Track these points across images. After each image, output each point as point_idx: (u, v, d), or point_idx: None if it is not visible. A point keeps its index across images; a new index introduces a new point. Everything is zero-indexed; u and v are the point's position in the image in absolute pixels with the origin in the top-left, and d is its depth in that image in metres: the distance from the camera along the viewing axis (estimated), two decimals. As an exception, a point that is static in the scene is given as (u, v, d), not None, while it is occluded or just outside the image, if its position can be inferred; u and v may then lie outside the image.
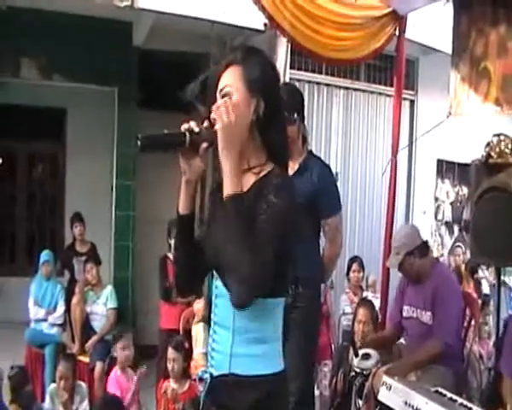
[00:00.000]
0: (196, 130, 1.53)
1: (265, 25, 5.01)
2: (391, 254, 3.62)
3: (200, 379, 1.72)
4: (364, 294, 5.35)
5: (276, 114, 1.61)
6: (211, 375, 1.61)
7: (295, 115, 2.92)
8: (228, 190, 1.48)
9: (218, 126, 1.52)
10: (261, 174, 1.58)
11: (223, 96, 1.57)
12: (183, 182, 1.61)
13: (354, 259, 5.45)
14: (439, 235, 7.45)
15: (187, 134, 1.52)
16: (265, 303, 1.52)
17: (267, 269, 1.44)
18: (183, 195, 1.63)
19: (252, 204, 1.50)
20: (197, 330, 4.17)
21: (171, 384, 3.76)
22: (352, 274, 5.35)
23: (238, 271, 1.42)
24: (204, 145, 1.55)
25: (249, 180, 1.59)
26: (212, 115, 1.54)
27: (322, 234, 3.10)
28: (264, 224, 1.46)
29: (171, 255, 5.09)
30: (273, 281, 1.46)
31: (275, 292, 1.53)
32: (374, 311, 4.12)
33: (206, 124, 1.55)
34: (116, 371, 4.03)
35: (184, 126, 1.54)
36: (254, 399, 1.54)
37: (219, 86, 1.60)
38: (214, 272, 1.62)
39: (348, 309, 5.10)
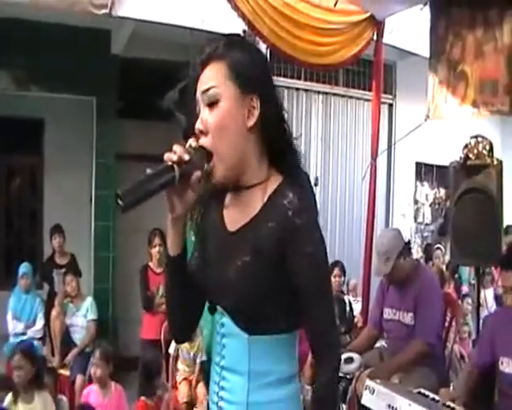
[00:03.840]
0: (186, 158, 1.22)
1: (244, 32, 5.02)
2: (378, 262, 3.57)
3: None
4: (345, 298, 5.37)
5: (275, 111, 1.32)
6: None
7: None
8: None
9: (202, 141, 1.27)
10: (267, 193, 1.31)
11: (210, 103, 1.27)
12: (171, 220, 1.31)
13: (335, 263, 5.46)
14: (419, 237, 7.52)
15: (175, 168, 1.20)
16: (286, 339, 1.34)
17: (335, 320, 1.38)
18: (172, 234, 1.32)
19: (265, 235, 1.27)
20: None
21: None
22: (333, 279, 5.36)
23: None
24: (197, 174, 1.25)
25: (254, 203, 1.32)
26: (198, 126, 1.28)
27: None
28: (318, 284, 1.30)
29: (151, 264, 5.06)
30: (296, 314, 1.31)
31: (296, 324, 1.35)
32: (343, 309, 4.09)
33: (193, 143, 1.27)
34: (92, 386, 3.97)
35: (170, 158, 1.21)
36: None
37: (201, 88, 1.29)
38: (218, 309, 1.37)
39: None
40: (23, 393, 3.44)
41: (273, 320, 1.30)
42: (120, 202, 1.16)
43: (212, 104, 1.27)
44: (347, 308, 4.78)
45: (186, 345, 4.12)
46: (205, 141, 1.27)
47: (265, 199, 1.30)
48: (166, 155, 1.22)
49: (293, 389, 1.36)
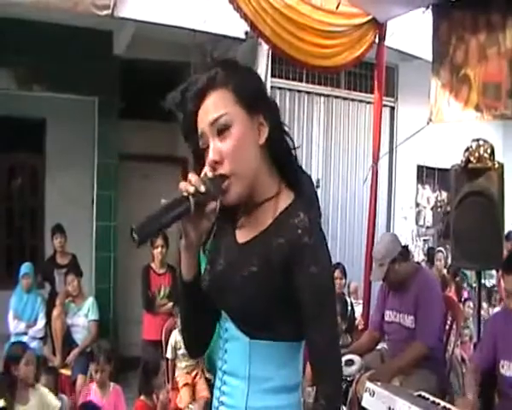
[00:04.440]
0: (202, 189, 1.20)
1: (246, 33, 5.03)
2: (374, 268, 3.61)
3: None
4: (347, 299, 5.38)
5: (278, 125, 1.34)
6: None
7: None
8: None
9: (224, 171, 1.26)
10: (278, 208, 1.32)
11: (220, 131, 1.26)
12: (184, 245, 1.31)
13: (336, 266, 5.46)
14: (421, 240, 7.51)
15: (191, 199, 1.19)
16: (289, 347, 1.33)
17: (338, 340, 1.37)
18: (185, 259, 1.33)
19: (274, 253, 1.28)
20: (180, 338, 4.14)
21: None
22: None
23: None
24: (213, 205, 1.26)
25: (265, 218, 1.33)
26: (213, 158, 1.26)
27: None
28: (323, 306, 1.28)
29: (153, 265, 5.06)
30: (299, 323, 1.29)
31: (300, 335, 1.32)
32: (345, 308, 4.11)
33: (209, 173, 1.26)
34: (91, 386, 3.97)
35: (187, 189, 1.20)
36: None
37: (208, 118, 1.27)
38: (222, 314, 1.39)
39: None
40: (19, 394, 3.42)
41: (275, 327, 1.30)
42: (135, 236, 1.16)
43: (222, 132, 1.27)
44: (349, 308, 4.79)
45: None
46: (221, 169, 1.27)
47: (277, 213, 1.31)
48: (182, 185, 1.22)
49: (295, 398, 1.34)
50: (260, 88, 1.34)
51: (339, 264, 5.52)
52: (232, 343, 1.35)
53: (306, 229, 1.26)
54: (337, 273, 5.37)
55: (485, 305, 5.59)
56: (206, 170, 1.27)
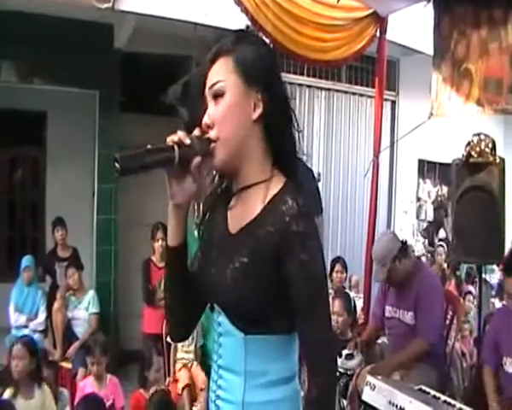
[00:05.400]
0: (187, 142, 1.24)
1: (248, 27, 5.00)
2: (376, 268, 3.61)
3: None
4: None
5: (282, 107, 1.32)
6: None
7: None
8: None
9: (212, 134, 1.28)
10: (269, 194, 1.30)
11: (215, 95, 1.29)
12: (171, 207, 1.31)
13: (337, 259, 5.47)
14: (421, 235, 7.51)
15: (175, 148, 1.22)
16: (283, 340, 1.31)
17: (331, 330, 1.33)
18: (172, 223, 1.33)
19: (266, 239, 1.26)
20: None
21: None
22: (334, 275, 5.36)
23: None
24: (197, 160, 1.25)
25: (255, 203, 1.31)
26: (204, 121, 1.29)
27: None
28: (315, 295, 1.26)
29: (154, 258, 5.07)
30: (292, 314, 1.27)
31: (294, 327, 1.30)
32: (349, 302, 4.11)
33: (197, 132, 1.28)
34: (88, 379, 3.99)
35: (172, 139, 1.23)
36: None
37: (208, 83, 1.31)
38: (215, 307, 1.37)
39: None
40: (23, 387, 3.45)
41: (269, 321, 1.29)
42: (117, 166, 1.18)
43: (217, 98, 1.29)
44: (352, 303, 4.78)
45: None
46: (211, 133, 1.29)
47: (266, 201, 1.29)
48: (169, 138, 1.24)
49: (291, 389, 1.34)
50: (265, 64, 1.31)
51: (339, 258, 5.53)
52: (226, 338, 1.34)
53: (294, 216, 1.24)
54: (338, 267, 5.38)
55: (496, 301, 5.60)
56: (195, 131, 1.28)
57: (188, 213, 1.34)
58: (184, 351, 4.31)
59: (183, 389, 4.13)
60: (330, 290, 5.37)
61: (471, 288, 5.77)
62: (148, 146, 1.21)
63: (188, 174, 1.26)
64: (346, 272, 5.45)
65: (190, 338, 4.30)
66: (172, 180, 1.27)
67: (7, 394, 3.41)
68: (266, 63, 1.31)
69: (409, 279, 3.50)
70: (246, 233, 1.31)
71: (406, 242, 3.66)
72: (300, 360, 1.34)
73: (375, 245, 3.80)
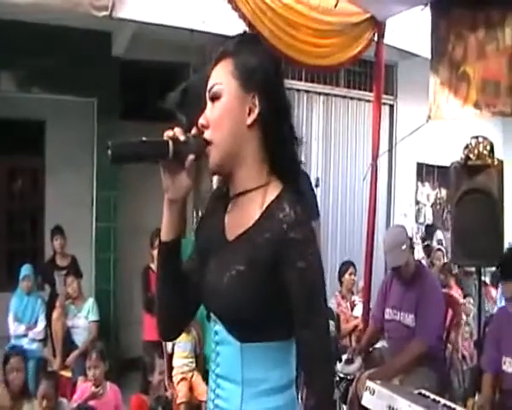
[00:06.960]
0: (182, 138, 1.25)
1: (245, 32, 5.01)
2: (393, 254, 3.52)
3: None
4: (353, 298, 5.40)
5: (280, 114, 1.31)
6: None
7: None
8: None
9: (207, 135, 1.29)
10: (266, 200, 1.28)
11: (212, 98, 1.30)
12: (166, 201, 1.32)
13: (349, 263, 5.49)
14: (420, 238, 7.52)
15: (170, 143, 1.24)
16: (281, 348, 1.30)
17: (329, 337, 1.33)
18: (165, 217, 1.33)
19: (263, 251, 1.25)
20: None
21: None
22: (347, 277, 5.38)
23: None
24: (191, 157, 1.27)
25: (252, 210, 1.29)
26: (200, 121, 1.31)
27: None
28: (311, 300, 1.24)
29: (153, 266, 5.06)
30: (291, 324, 1.26)
31: (291, 334, 1.29)
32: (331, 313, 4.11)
33: (193, 131, 1.30)
34: (87, 385, 3.97)
35: (168, 134, 1.25)
36: None
37: (208, 87, 1.32)
38: (212, 316, 1.36)
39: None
40: (12, 403, 3.42)
41: (266, 329, 1.28)
42: (109, 152, 1.19)
43: (214, 100, 1.30)
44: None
45: (183, 336, 4.13)
46: (206, 134, 1.30)
47: (264, 207, 1.28)
48: (165, 133, 1.26)
49: (290, 396, 1.33)
50: (264, 70, 1.29)
51: (350, 262, 5.53)
52: (224, 347, 1.33)
53: (291, 224, 1.23)
54: (351, 269, 5.43)
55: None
56: (193, 129, 1.31)
57: (184, 210, 1.35)
58: (184, 357, 4.28)
59: (180, 404, 4.12)
60: (337, 293, 5.40)
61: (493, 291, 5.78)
62: (144, 138, 1.23)
63: (182, 170, 1.28)
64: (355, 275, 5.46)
65: (190, 344, 4.29)
66: (167, 174, 1.29)
67: None
68: (266, 70, 1.30)
69: (411, 281, 3.50)
70: (243, 241, 1.30)
71: (412, 239, 3.66)
72: (298, 367, 1.33)
73: (388, 234, 3.79)
